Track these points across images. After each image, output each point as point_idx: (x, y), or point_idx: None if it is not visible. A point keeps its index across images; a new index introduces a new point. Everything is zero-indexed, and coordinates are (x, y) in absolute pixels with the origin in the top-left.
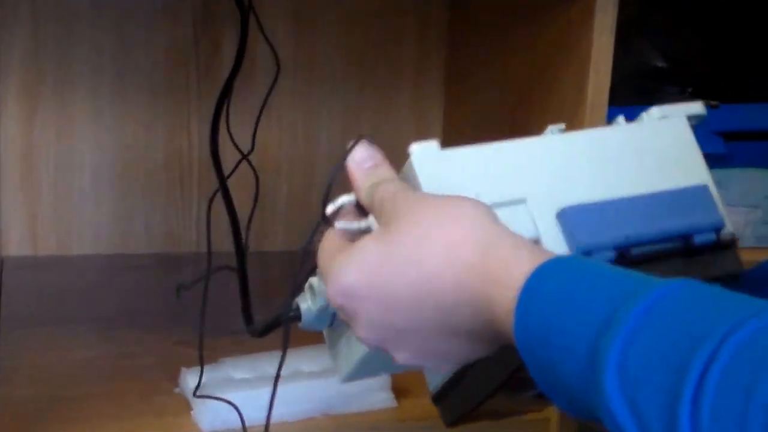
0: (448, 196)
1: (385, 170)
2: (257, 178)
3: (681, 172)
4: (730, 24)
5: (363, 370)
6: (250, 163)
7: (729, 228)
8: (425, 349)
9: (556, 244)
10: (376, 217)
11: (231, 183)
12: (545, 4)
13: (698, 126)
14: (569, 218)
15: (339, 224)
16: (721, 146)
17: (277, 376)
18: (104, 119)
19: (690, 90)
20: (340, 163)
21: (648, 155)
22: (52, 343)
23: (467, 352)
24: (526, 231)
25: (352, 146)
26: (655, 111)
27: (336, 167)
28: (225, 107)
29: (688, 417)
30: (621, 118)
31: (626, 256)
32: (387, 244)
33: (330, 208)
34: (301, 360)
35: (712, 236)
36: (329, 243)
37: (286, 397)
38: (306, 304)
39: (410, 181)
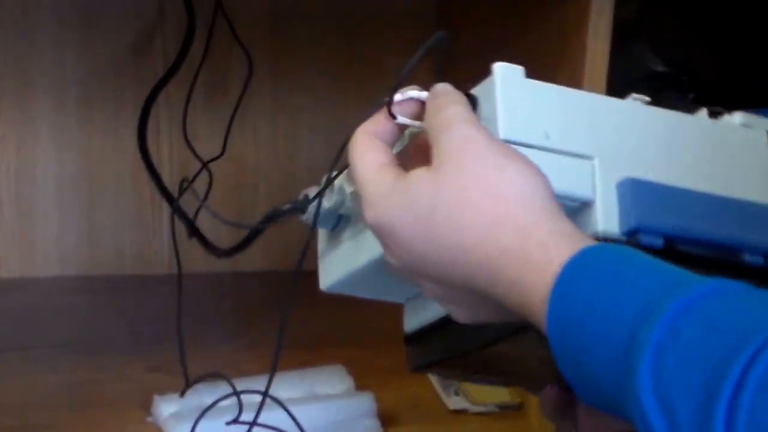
0: (512, 159)
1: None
2: (210, 183)
3: (750, 185)
4: (734, 27)
5: (352, 285)
6: (209, 171)
7: None
8: (448, 297)
9: (609, 213)
10: (434, 145)
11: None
12: (537, 7)
13: None
14: (629, 190)
15: (401, 119)
16: None
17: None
18: (68, 131)
19: (692, 96)
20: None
21: (723, 156)
22: (16, 370)
23: (491, 316)
24: (582, 190)
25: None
26: (738, 117)
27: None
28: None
29: (723, 418)
30: (704, 112)
31: (672, 248)
32: (435, 197)
33: (398, 96)
34: (281, 386)
35: (760, 260)
36: (372, 153)
37: (269, 424)
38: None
39: (485, 101)
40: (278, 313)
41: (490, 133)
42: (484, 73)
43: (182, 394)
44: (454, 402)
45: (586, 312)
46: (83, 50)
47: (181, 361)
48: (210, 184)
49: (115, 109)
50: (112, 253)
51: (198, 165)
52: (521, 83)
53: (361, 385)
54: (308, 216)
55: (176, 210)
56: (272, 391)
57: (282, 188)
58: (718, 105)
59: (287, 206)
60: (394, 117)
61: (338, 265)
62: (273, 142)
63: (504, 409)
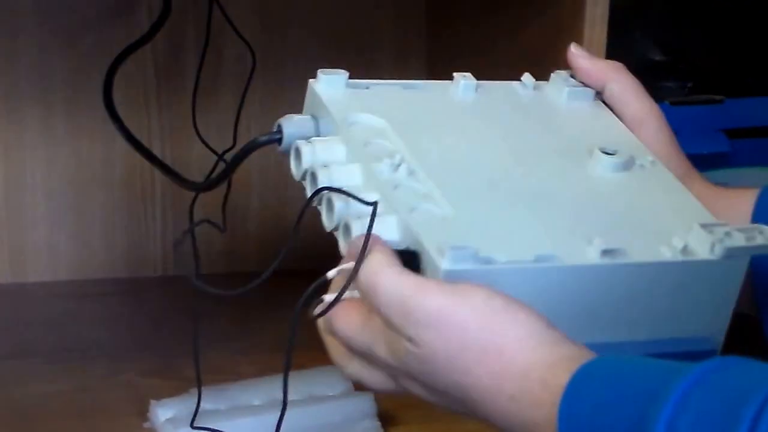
0: (495, 311)
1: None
2: (229, 183)
3: (702, 317)
4: (732, 14)
5: None
6: (225, 163)
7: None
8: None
9: None
10: (388, 314)
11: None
12: None
13: (701, 124)
14: None
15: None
16: (725, 144)
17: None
18: (56, 132)
19: (690, 85)
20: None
21: (681, 296)
22: (6, 378)
23: None
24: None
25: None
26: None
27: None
28: (192, 106)
29: None
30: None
31: None
32: (429, 366)
33: (330, 273)
34: (279, 388)
35: None
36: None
37: (266, 428)
38: (290, 128)
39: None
40: (275, 315)
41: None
42: (478, 66)
43: (176, 398)
44: None
45: (595, 410)
46: (69, 52)
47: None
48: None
49: (104, 111)
50: (103, 256)
51: (193, 163)
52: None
53: (359, 386)
54: (284, 147)
55: (157, 162)
56: (270, 393)
57: (275, 183)
58: (717, 93)
59: (264, 138)
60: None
61: None
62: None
63: None
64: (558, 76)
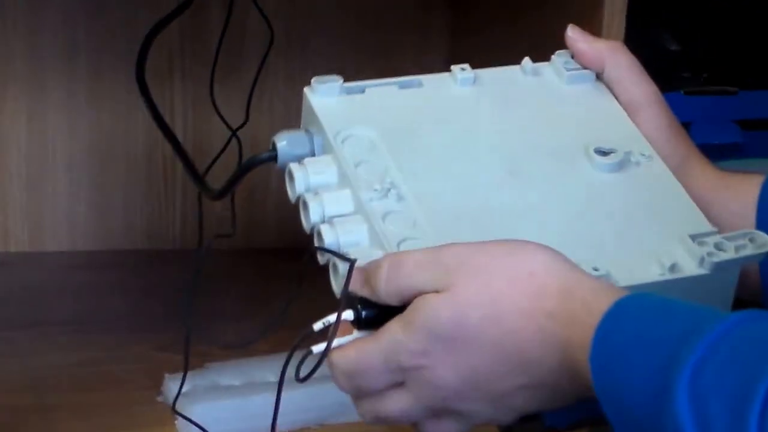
0: (513, 248)
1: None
2: (240, 153)
3: None
4: (748, 6)
5: None
6: (239, 140)
7: None
8: (506, 407)
9: None
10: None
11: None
12: None
13: (715, 115)
14: None
15: (316, 349)
16: (738, 135)
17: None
18: (79, 103)
19: (705, 75)
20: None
21: None
22: (22, 348)
23: (545, 404)
24: None
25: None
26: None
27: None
28: (210, 80)
29: (757, 419)
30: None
31: None
32: (458, 307)
33: (318, 326)
34: (291, 367)
35: None
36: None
37: (281, 405)
38: (283, 143)
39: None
40: (291, 292)
41: None
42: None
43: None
44: None
45: (628, 345)
46: (94, 23)
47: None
48: (240, 152)
49: (126, 82)
50: (122, 227)
51: (215, 134)
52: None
53: None
54: (280, 164)
55: (185, 160)
56: (279, 372)
57: None
58: (731, 84)
59: (264, 156)
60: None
61: None
62: (287, 116)
63: None
64: (558, 58)
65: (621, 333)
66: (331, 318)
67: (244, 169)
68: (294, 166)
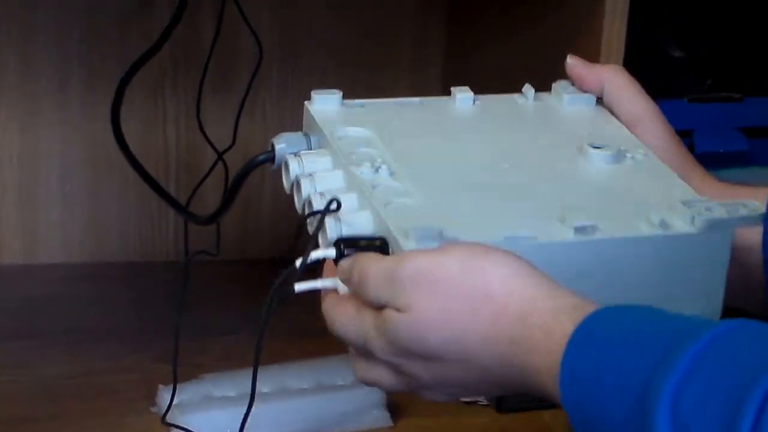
0: (472, 262)
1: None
2: (227, 176)
3: (695, 293)
4: (752, 12)
5: None
6: (224, 164)
7: None
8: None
9: None
10: (380, 294)
11: (210, 185)
12: None
13: (719, 122)
14: None
15: (300, 287)
16: (743, 143)
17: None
18: (72, 113)
19: (709, 82)
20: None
21: (669, 273)
22: (16, 359)
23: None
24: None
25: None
26: (700, 221)
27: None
28: (197, 99)
29: None
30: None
31: None
32: (418, 330)
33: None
34: (288, 376)
35: None
36: (346, 310)
37: (275, 416)
38: (282, 146)
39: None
40: (288, 302)
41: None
42: (500, 60)
43: (185, 384)
44: None
45: (600, 371)
46: (87, 34)
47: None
48: (226, 175)
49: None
50: (116, 239)
51: (207, 149)
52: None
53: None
54: (277, 164)
55: (164, 195)
56: (279, 381)
57: None
58: (736, 90)
59: (260, 158)
60: (292, 291)
61: None
62: (281, 127)
63: None
64: (559, 86)
65: (589, 361)
66: (314, 254)
67: (242, 174)
68: (290, 156)
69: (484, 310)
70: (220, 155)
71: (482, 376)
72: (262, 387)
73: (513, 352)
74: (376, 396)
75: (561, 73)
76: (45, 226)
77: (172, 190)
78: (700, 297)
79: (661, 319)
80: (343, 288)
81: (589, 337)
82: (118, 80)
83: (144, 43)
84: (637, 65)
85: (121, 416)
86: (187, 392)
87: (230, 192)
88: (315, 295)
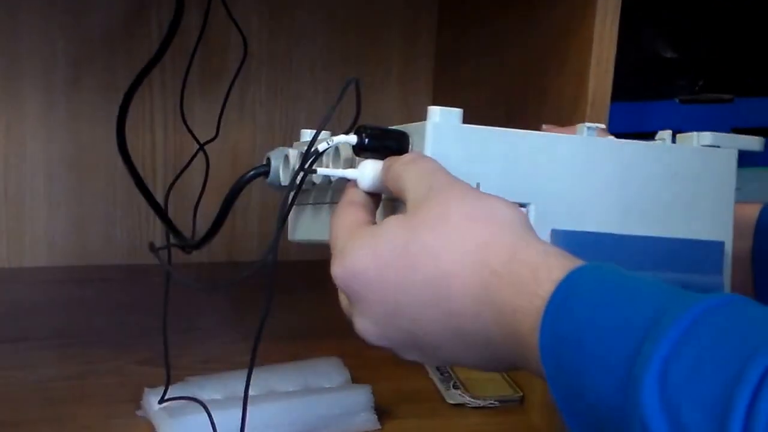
0: (482, 194)
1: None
2: (207, 168)
3: (706, 216)
4: (744, 12)
5: (320, 245)
6: (205, 154)
7: (727, 293)
8: (434, 355)
9: None
10: (401, 196)
11: (195, 182)
12: None
13: (711, 123)
14: (559, 242)
15: (321, 171)
16: None
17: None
18: (57, 117)
19: (701, 83)
20: (335, 104)
21: (680, 187)
22: (2, 362)
23: (480, 363)
24: None
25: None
26: (707, 137)
27: (331, 108)
28: (181, 96)
29: (740, 427)
30: (667, 135)
31: None
32: (410, 230)
33: (322, 145)
34: (275, 379)
35: None
36: (349, 216)
37: (262, 419)
38: (278, 162)
39: (417, 142)
40: (275, 304)
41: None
42: (490, 61)
43: (171, 386)
44: (453, 396)
45: (583, 330)
46: (73, 35)
47: (164, 355)
48: (207, 167)
49: (105, 95)
50: (102, 242)
51: (195, 148)
52: (455, 128)
53: (357, 378)
54: (271, 180)
55: (159, 211)
56: (265, 384)
57: None
58: (726, 92)
59: (252, 172)
60: (314, 171)
61: (306, 228)
62: (270, 127)
63: (504, 403)
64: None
65: (575, 313)
66: (337, 138)
67: (235, 190)
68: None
69: (480, 231)
70: (201, 146)
71: (447, 309)
72: (249, 389)
73: (495, 285)
74: (364, 399)
75: (553, 73)
76: (30, 229)
77: (158, 189)
78: (709, 218)
79: (648, 284)
80: (364, 181)
81: (577, 289)
82: (103, 83)
83: (130, 44)
84: (628, 66)
85: (108, 419)
86: (173, 394)
87: (223, 208)
88: (301, 298)
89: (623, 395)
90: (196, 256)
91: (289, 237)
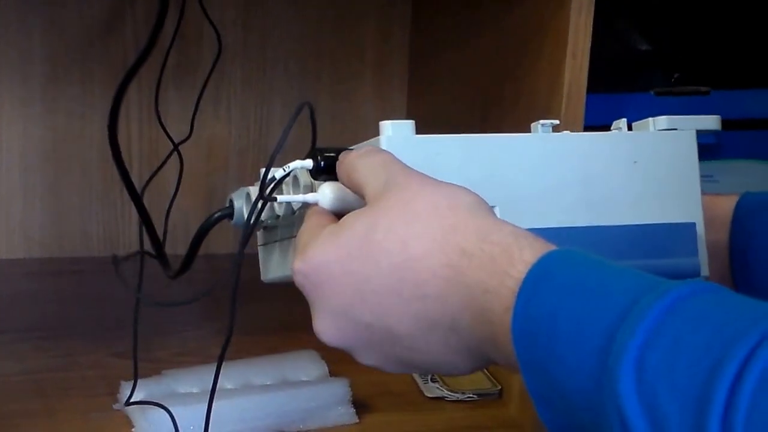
0: (441, 182)
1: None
2: (181, 168)
3: (673, 199)
4: (719, 5)
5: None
6: (179, 153)
7: (705, 274)
8: (392, 353)
9: None
10: (358, 189)
11: (170, 179)
12: None
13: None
14: None
15: (282, 198)
16: (710, 136)
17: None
18: (34, 110)
19: (677, 75)
20: (286, 129)
21: (643, 173)
22: None
23: (440, 356)
24: None
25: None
26: (663, 121)
27: (283, 134)
28: (156, 94)
29: (719, 418)
30: (623, 123)
31: None
32: (373, 218)
33: (279, 173)
34: (251, 372)
35: None
36: (312, 220)
37: (238, 412)
38: (240, 201)
39: None
40: (248, 298)
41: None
42: (465, 55)
43: (146, 379)
44: (431, 389)
45: (557, 316)
46: (50, 28)
47: (133, 349)
48: (181, 167)
49: (82, 88)
50: (78, 234)
51: (169, 146)
52: (409, 140)
53: (335, 371)
54: (236, 221)
55: (145, 219)
56: (242, 377)
57: (254, 167)
58: (703, 84)
59: (216, 215)
60: (274, 199)
61: (275, 265)
62: (244, 124)
63: (483, 396)
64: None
65: (548, 297)
66: (293, 164)
67: (202, 232)
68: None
69: (444, 217)
70: (175, 146)
71: (413, 296)
72: (225, 383)
73: (465, 265)
74: (341, 392)
75: (528, 67)
76: (5, 221)
77: (135, 183)
78: (677, 201)
79: (622, 271)
80: (325, 202)
81: (548, 276)
82: (80, 75)
83: (107, 37)
84: (604, 59)
85: (84, 412)
86: (148, 388)
87: (192, 248)
88: (278, 291)
89: (598, 383)
90: (170, 248)
91: (262, 278)
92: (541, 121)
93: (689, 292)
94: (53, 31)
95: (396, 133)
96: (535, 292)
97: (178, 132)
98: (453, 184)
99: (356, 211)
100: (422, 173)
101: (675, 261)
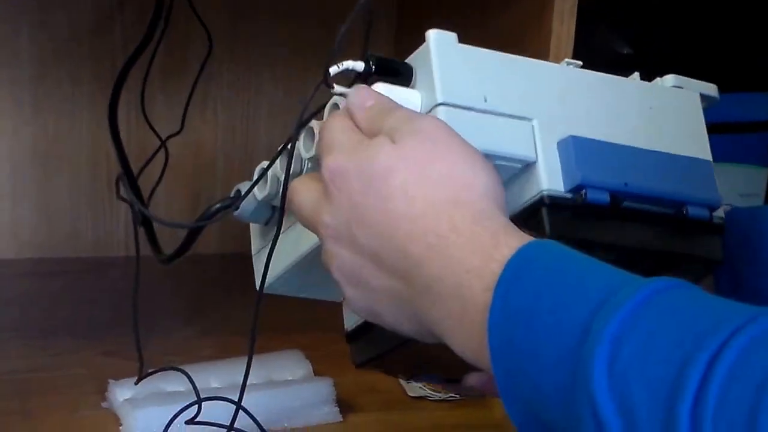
0: (481, 158)
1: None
2: (165, 162)
3: (687, 143)
4: (701, 9)
5: (289, 282)
6: (166, 150)
7: (721, 213)
8: (370, 296)
9: (552, 171)
10: (398, 130)
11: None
12: None
13: None
14: (571, 147)
15: (337, 88)
16: None
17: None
18: (23, 110)
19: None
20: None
21: (659, 116)
22: None
23: (405, 323)
24: (523, 150)
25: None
26: (670, 78)
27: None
28: (142, 89)
29: (689, 412)
30: (636, 75)
31: (618, 204)
32: (396, 159)
33: (334, 68)
34: (238, 371)
35: (705, 213)
36: (346, 120)
37: (224, 411)
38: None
39: (421, 69)
40: (234, 298)
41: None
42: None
43: (134, 379)
44: (414, 389)
45: (535, 307)
46: (38, 28)
47: (137, 348)
48: (166, 162)
49: (71, 88)
50: (67, 235)
51: (156, 145)
52: (456, 48)
53: (319, 371)
54: (241, 212)
55: (137, 211)
56: (227, 376)
57: (240, 169)
58: None
59: (218, 205)
60: (330, 86)
61: (274, 262)
62: (231, 123)
63: (466, 396)
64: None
65: (528, 287)
66: (345, 63)
67: (200, 222)
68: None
69: (454, 189)
70: (163, 142)
71: (400, 246)
72: (211, 382)
73: (451, 240)
74: (326, 391)
75: None
76: None
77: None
78: (687, 140)
79: (598, 265)
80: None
81: (529, 265)
82: (69, 75)
83: (95, 38)
84: (586, 63)
85: (73, 411)
86: (137, 387)
87: (190, 234)
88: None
89: (572, 379)
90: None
91: (258, 287)
92: (567, 59)
93: (664, 286)
94: (42, 31)
95: (443, 39)
96: (515, 280)
97: (168, 132)
98: (483, 165)
99: (386, 143)
100: (460, 141)
101: (696, 191)
